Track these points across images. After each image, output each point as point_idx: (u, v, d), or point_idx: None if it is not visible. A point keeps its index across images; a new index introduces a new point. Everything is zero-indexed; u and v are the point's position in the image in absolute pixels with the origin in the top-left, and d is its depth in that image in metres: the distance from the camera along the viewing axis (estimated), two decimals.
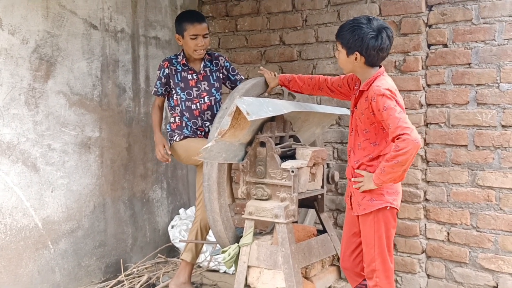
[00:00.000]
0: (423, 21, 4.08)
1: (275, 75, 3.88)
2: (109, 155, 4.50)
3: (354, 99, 3.28)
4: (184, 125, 4.11)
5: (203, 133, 4.14)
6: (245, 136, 3.48)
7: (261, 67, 3.97)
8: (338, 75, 4.41)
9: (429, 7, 4.06)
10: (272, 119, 3.58)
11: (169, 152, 4.09)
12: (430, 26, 4.06)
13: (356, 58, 3.12)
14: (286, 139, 3.74)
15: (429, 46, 4.08)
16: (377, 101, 3.02)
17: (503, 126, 3.79)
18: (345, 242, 3.44)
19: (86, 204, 4.37)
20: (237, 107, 3.18)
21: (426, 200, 4.15)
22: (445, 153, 4.04)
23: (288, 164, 3.45)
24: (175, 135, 4.13)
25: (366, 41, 3.06)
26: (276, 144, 3.55)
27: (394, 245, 4.27)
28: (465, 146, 3.96)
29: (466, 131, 3.95)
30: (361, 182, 3.18)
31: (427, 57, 4.08)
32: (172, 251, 4.97)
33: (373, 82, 3.12)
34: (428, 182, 4.14)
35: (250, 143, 3.57)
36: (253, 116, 3.17)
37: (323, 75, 4.43)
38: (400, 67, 4.18)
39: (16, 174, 3.89)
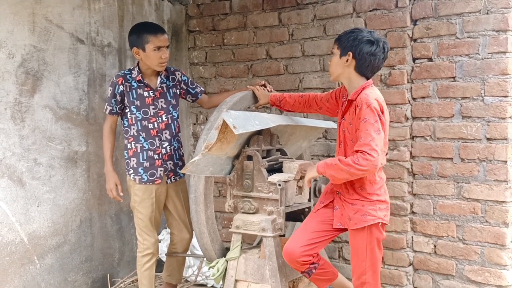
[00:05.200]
0: (408, 35, 4.12)
1: (267, 89, 3.88)
2: (95, 169, 4.48)
3: (342, 110, 3.31)
4: (139, 150, 3.87)
5: (161, 160, 3.90)
6: (232, 150, 3.48)
7: (248, 86, 3.94)
8: (324, 89, 4.46)
9: (414, 22, 4.10)
10: (259, 132, 3.59)
11: (122, 194, 3.93)
12: (415, 40, 4.10)
13: (347, 60, 3.16)
14: (273, 153, 3.75)
15: (414, 60, 4.12)
16: (361, 109, 3.07)
17: (488, 139, 3.83)
18: (306, 234, 3.31)
19: (72, 218, 4.34)
20: (224, 121, 3.19)
21: (413, 212, 4.17)
22: (431, 166, 4.07)
23: (275, 177, 3.45)
24: (131, 170, 3.90)
25: (361, 43, 3.12)
26: (263, 158, 3.56)
27: (382, 257, 4.28)
28: (451, 159, 3.98)
29: (451, 144, 3.98)
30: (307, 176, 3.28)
31: (412, 70, 4.12)
32: (160, 265, 4.95)
33: (361, 91, 3.15)
34: (414, 195, 4.16)
35: (237, 156, 3.58)
36: (240, 129, 3.18)
37: (310, 89, 4.49)
38: (385, 80, 4.22)
39: (1, 189, 3.86)
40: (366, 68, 3.18)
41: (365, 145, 2.99)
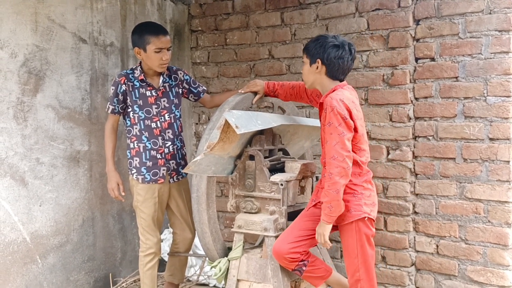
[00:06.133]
0: (411, 35, 4.11)
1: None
2: (98, 169, 4.48)
3: (319, 113, 3.37)
4: (142, 149, 3.86)
5: (163, 159, 3.89)
6: (234, 149, 3.48)
7: (239, 91, 3.83)
8: None
9: (417, 21, 4.10)
10: (261, 132, 3.59)
11: (123, 193, 3.94)
12: (417, 40, 4.10)
13: (317, 67, 3.24)
14: (275, 152, 3.75)
15: (416, 59, 4.11)
16: (327, 113, 3.13)
17: (491, 139, 3.82)
18: (294, 231, 3.35)
19: (75, 218, 4.35)
20: (226, 120, 3.19)
21: (415, 212, 4.17)
22: (433, 166, 4.06)
23: (277, 177, 3.46)
24: (134, 170, 3.89)
25: (327, 49, 3.20)
26: (265, 157, 3.56)
27: (384, 257, 4.29)
28: (453, 159, 3.98)
29: (454, 144, 3.97)
30: (318, 235, 3.23)
31: (414, 70, 4.12)
32: (162, 265, 4.95)
33: (330, 93, 3.21)
34: (417, 194, 4.16)
35: (239, 156, 3.58)
36: (242, 129, 3.18)
37: None
38: (388, 80, 4.21)
39: (4, 188, 3.87)
40: (337, 71, 3.26)
41: (329, 152, 3.09)
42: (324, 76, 3.27)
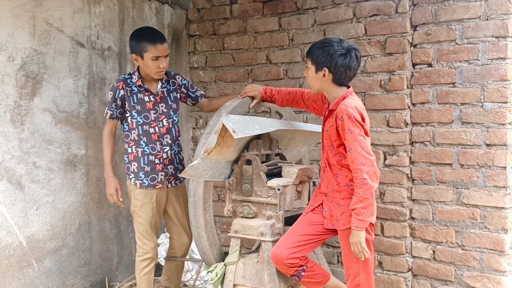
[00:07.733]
0: (408, 40, 4.12)
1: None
2: (95, 173, 4.48)
3: (324, 118, 3.38)
4: (140, 154, 3.87)
5: (162, 164, 3.89)
6: (231, 154, 3.48)
7: (239, 96, 3.85)
8: None
9: (414, 27, 4.11)
10: (258, 137, 3.60)
11: (122, 199, 3.94)
12: (415, 46, 4.11)
13: (324, 75, 3.22)
14: (272, 157, 3.75)
15: (414, 65, 4.12)
16: (343, 121, 3.12)
17: (487, 145, 3.83)
18: (293, 237, 3.35)
19: (71, 222, 4.34)
20: (223, 125, 3.19)
21: (412, 218, 4.17)
22: (430, 171, 4.07)
23: (274, 182, 3.46)
24: (132, 175, 3.90)
25: (335, 58, 3.17)
26: (262, 162, 3.56)
27: (380, 263, 4.28)
28: (450, 164, 3.98)
29: (451, 150, 3.98)
30: (353, 245, 3.16)
31: (412, 76, 4.12)
32: (158, 270, 4.94)
33: (341, 101, 3.21)
34: (413, 200, 4.16)
35: (236, 161, 3.58)
36: (239, 134, 3.18)
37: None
38: (385, 86, 4.22)
39: (0, 191, 3.86)
40: (344, 79, 3.25)
41: (357, 158, 3.07)
42: (331, 83, 3.26)
